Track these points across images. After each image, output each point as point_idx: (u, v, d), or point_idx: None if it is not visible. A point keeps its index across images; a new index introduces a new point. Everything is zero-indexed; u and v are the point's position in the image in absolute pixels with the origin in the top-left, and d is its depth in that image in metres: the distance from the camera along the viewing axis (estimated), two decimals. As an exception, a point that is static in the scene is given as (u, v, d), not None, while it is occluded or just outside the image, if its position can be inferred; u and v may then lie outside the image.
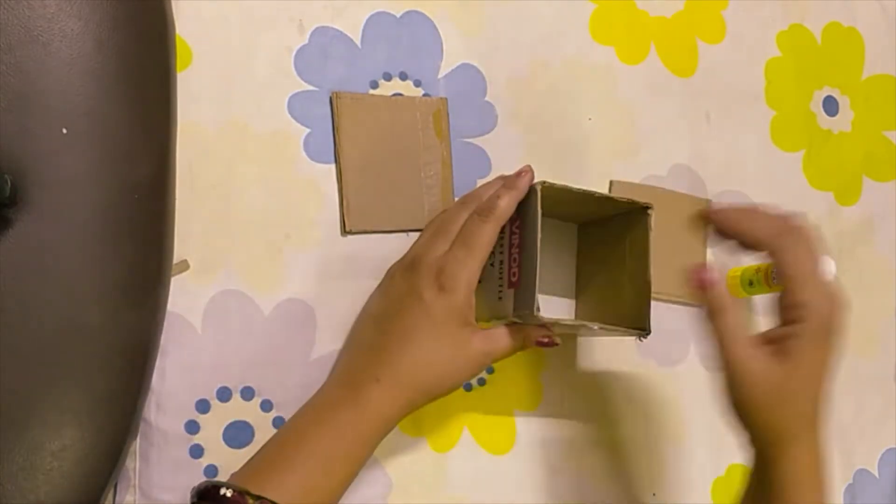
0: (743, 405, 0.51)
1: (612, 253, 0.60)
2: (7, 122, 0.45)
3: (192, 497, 0.45)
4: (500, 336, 0.54)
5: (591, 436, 0.64)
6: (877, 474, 0.73)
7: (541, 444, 0.62)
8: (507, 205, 0.54)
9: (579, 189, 0.56)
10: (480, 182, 0.63)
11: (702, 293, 0.51)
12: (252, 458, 0.50)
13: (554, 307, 0.62)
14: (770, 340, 0.50)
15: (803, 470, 0.51)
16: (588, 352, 0.65)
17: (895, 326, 0.77)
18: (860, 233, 0.77)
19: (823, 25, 0.79)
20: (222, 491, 0.44)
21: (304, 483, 0.47)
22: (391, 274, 0.57)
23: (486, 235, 0.53)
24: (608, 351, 0.65)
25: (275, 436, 0.52)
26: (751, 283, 0.64)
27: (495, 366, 0.62)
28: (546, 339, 0.55)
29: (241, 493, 0.44)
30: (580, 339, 0.65)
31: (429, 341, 0.51)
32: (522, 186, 0.54)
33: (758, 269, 0.63)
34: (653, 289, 0.56)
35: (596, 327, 0.55)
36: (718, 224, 0.53)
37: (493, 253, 0.57)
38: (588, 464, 0.63)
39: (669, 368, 0.67)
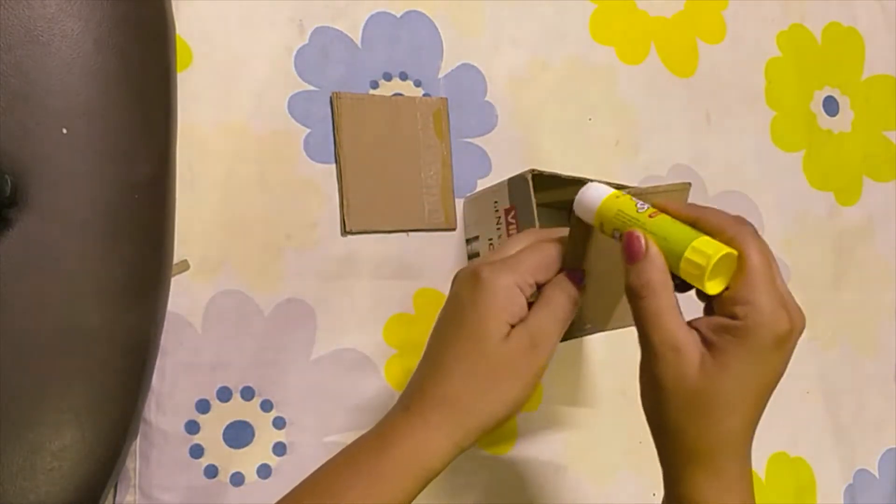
0: (661, 403, 0.43)
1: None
2: (7, 122, 0.45)
3: None
4: (542, 329, 0.44)
5: (590, 436, 0.64)
6: (877, 474, 0.73)
7: (541, 444, 0.62)
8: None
9: (569, 175, 0.56)
10: (480, 182, 0.63)
11: (632, 265, 0.42)
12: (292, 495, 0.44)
13: None
14: (703, 332, 0.42)
15: (718, 500, 0.42)
16: (588, 352, 0.65)
17: (895, 326, 0.77)
18: (860, 233, 0.77)
19: (823, 25, 0.79)
20: None
21: None
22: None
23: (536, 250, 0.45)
24: (608, 351, 0.65)
25: (319, 470, 0.45)
26: None
27: (495, 366, 0.62)
28: (579, 276, 0.46)
29: None
30: (579, 338, 0.65)
31: (462, 357, 0.43)
32: None
33: None
34: None
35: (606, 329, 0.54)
36: (672, 210, 0.44)
37: (490, 245, 0.57)
38: (588, 464, 0.63)
39: (669, 368, 0.67)
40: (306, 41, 0.61)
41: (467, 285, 0.44)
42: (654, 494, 0.65)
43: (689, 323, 0.42)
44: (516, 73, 0.66)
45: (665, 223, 0.42)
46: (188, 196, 0.55)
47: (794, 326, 0.41)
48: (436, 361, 0.44)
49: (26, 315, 0.45)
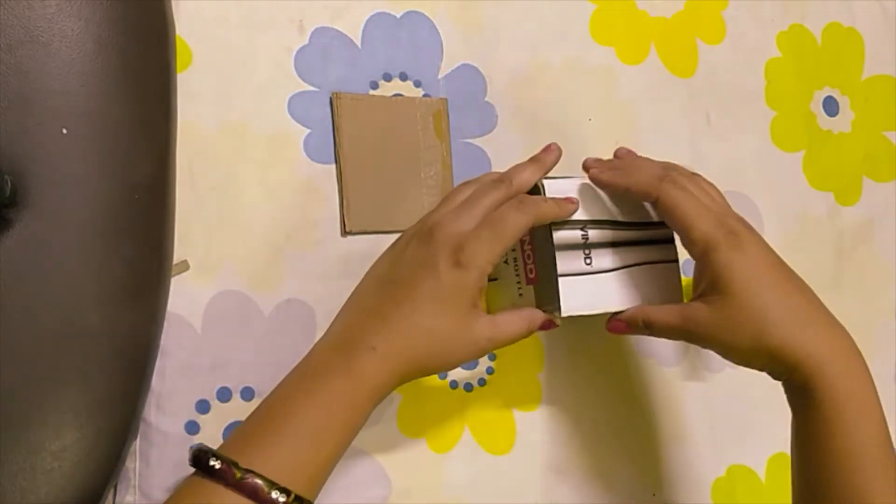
0: (733, 353, 0.52)
1: None
2: (7, 122, 0.45)
3: (189, 461, 0.45)
4: (505, 323, 0.52)
5: (590, 436, 0.64)
6: (877, 474, 0.73)
7: (541, 444, 0.62)
8: (547, 207, 0.53)
9: (581, 179, 0.57)
10: (480, 182, 0.63)
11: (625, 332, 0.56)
12: (241, 428, 0.47)
13: None
14: (700, 293, 0.53)
15: (837, 383, 0.50)
16: (588, 351, 0.65)
17: (895, 326, 0.77)
18: (860, 233, 0.77)
19: (823, 25, 0.79)
20: (211, 462, 0.43)
21: (293, 457, 0.45)
22: (406, 238, 0.53)
23: (519, 227, 0.51)
24: (608, 350, 0.65)
25: (263, 403, 0.48)
26: None
27: (495, 365, 0.62)
28: (550, 324, 0.54)
29: (229, 465, 0.43)
30: (579, 338, 0.65)
31: (433, 314, 0.49)
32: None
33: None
34: None
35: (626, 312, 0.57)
36: (602, 184, 0.56)
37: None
38: (588, 464, 0.63)
39: (669, 368, 0.67)
40: (306, 41, 0.61)
41: (448, 259, 0.49)
42: (653, 495, 0.65)
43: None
44: (516, 73, 0.66)
45: None
46: (188, 196, 0.55)
47: (729, 226, 0.52)
48: (411, 309, 0.49)
49: (26, 315, 0.45)
